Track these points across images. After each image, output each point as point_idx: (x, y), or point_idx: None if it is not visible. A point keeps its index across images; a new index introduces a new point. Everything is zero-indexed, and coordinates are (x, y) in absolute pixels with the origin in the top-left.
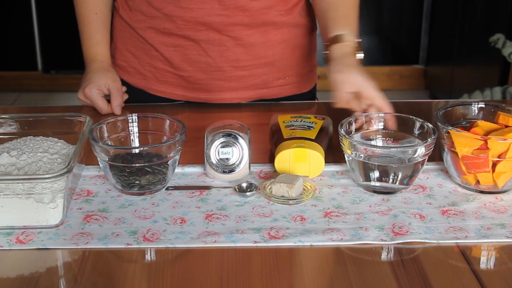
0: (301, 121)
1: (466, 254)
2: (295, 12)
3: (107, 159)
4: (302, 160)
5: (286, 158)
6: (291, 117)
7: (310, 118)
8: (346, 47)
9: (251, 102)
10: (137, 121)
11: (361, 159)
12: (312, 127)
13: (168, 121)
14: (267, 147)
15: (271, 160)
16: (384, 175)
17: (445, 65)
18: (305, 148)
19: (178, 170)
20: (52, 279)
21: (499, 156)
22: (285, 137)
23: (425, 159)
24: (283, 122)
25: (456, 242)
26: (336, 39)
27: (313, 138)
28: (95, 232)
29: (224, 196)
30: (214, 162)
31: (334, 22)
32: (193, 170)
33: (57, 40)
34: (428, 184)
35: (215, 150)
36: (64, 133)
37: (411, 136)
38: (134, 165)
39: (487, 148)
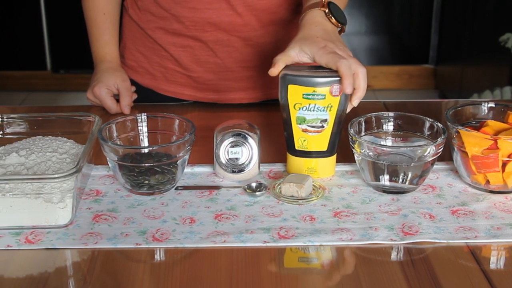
0: (314, 108)
1: (476, 254)
2: None
3: (116, 158)
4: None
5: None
6: (303, 96)
7: (325, 97)
8: (315, 12)
9: (260, 102)
10: (146, 120)
11: (370, 159)
12: (325, 121)
13: (177, 121)
14: (277, 147)
15: (280, 159)
16: (394, 175)
17: (455, 65)
18: (316, 174)
19: (188, 170)
20: (61, 279)
21: (509, 156)
22: (296, 148)
23: (435, 159)
24: (294, 106)
25: (466, 242)
26: (306, 8)
27: (326, 149)
28: (104, 232)
29: (233, 196)
30: (224, 162)
31: None
32: (203, 170)
33: (66, 39)
34: (438, 184)
35: (225, 150)
36: (73, 132)
37: (421, 136)
38: (143, 165)
39: (497, 148)
